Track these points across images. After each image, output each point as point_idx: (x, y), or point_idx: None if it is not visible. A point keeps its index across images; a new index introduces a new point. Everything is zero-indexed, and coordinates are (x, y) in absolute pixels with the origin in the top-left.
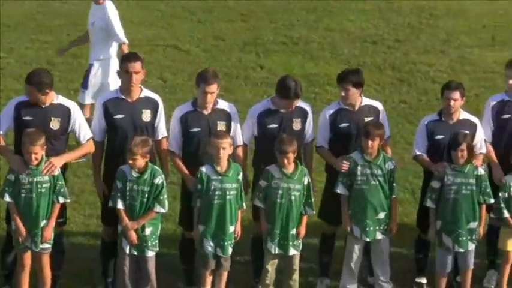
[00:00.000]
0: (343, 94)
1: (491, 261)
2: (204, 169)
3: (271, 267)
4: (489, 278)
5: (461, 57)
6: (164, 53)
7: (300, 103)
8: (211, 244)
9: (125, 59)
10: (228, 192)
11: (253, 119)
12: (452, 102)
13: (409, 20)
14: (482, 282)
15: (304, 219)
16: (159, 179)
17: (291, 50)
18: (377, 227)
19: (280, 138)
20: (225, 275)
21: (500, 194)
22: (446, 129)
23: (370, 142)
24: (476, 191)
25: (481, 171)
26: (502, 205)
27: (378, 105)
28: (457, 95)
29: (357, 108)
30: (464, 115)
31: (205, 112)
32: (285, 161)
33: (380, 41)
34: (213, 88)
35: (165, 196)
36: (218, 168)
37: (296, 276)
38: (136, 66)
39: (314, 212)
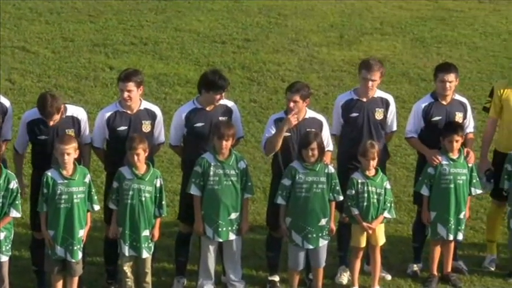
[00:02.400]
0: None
1: (341, 257)
2: (49, 173)
3: (128, 269)
4: (340, 274)
5: (310, 56)
6: (12, 55)
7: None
8: (60, 248)
9: None
10: (75, 196)
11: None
12: (292, 104)
13: (257, 20)
14: (334, 278)
15: (157, 221)
16: (13, 184)
17: (140, 50)
18: (230, 227)
19: (129, 137)
20: (75, 279)
21: (348, 192)
22: (293, 128)
23: (224, 143)
24: (326, 189)
25: (331, 169)
26: (349, 203)
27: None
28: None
29: (212, 108)
30: (309, 113)
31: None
32: (135, 158)
33: (229, 41)
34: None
35: (20, 201)
36: (64, 172)
37: (148, 278)
38: None
39: (165, 215)
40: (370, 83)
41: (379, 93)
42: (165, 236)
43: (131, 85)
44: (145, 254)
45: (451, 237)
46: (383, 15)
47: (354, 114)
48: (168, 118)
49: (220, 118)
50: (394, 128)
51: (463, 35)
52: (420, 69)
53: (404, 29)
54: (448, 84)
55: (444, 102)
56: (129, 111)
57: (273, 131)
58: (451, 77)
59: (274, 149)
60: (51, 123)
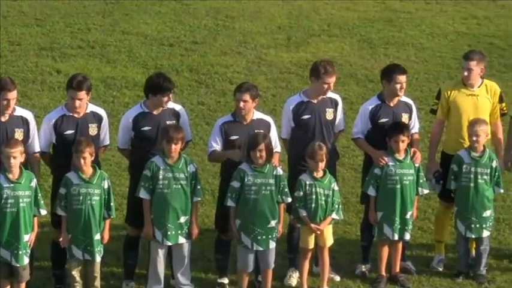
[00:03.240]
0: None
1: (291, 259)
2: None
3: (77, 273)
4: (289, 275)
5: (257, 58)
6: None
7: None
8: (5, 252)
9: None
10: (21, 200)
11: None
12: (242, 104)
13: (205, 22)
14: (283, 280)
15: (107, 223)
16: None
17: (87, 53)
18: (179, 231)
19: (76, 141)
20: (22, 285)
21: (295, 194)
22: (241, 131)
23: (173, 146)
24: (275, 191)
25: (279, 170)
26: (297, 205)
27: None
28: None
29: (159, 111)
30: (257, 115)
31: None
32: (82, 161)
33: (177, 44)
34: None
35: None
36: (10, 176)
37: (97, 282)
38: None
39: (114, 216)
40: (331, 86)
41: (328, 94)
42: (114, 240)
43: (83, 94)
44: (98, 258)
45: (397, 237)
46: (330, 17)
47: (306, 117)
48: (116, 121)
49: (168, 122)
50: (342, 127)
51: (410, 36)
52: (368, 71)
53: (351, 31)
54: (403, 85)
55: (391, 104)
56: (75, 115)
57: (219, 140)
58: (405, 78)
59: (219, 162)
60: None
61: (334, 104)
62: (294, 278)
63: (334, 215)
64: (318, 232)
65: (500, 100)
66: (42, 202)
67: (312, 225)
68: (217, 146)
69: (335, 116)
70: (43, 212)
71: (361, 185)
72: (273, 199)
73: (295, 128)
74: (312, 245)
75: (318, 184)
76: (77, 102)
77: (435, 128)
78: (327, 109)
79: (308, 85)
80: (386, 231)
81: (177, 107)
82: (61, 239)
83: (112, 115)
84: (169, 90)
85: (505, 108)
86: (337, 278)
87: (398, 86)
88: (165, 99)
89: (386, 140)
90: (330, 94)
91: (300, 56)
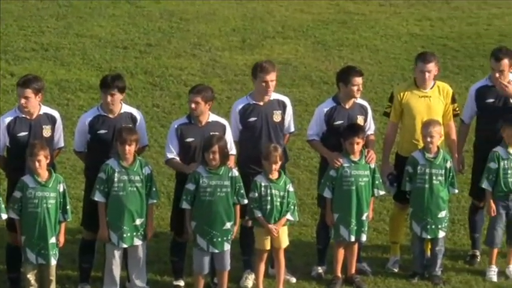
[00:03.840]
0: None
1: (246, 261)
2: None
3: (32, 276)
4: (245, 277)
5: (212, 60)
6: None
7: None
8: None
9: None
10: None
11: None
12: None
13: (159, 25)
14: (239, 282)
15: (63, 226)
16: None
17: (41, 56)
18: (134, 233)
19: (30, 144)
20: (52, 285)
21: (250, 195)
22: (196, 133)
23: (127, 148)
24: (231, 193)
25: (235, 172)
26: (252, 206)
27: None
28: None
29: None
30: (212, 117)
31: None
32: (37, 165)
33: (131, 46)
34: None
35: None
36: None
37: (53, 285)
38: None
39: (69, 219)
40: (270, 84)
41: (275, 96)
42: (69, 243)
43: (29, 92)
44: (54, 261)
45: (353, 239)
46: (285, 19)
47: (252, 119)
48: (70, 124)
49: (124, 125)
50: (292, 129)
51: (364, 38)
52: (322, 72)
53: (306, 33)
54: (360, 87)
55: (347, 106)
56: (28, 117)
57: (175, 142)
58: (362, 80)
59: (175, 169)
60: None
61: (282, 106)
62: (249, 280)
63: (288, 216)
64: (275, 232)
65: (453, 101)
66: (3, 206)
67: (269, 225)
68: (174, 153)
69: (283, 118)
70: (4, 216)
71: (317, 187)
72: (229, 201)
73: (242, 131)
74: (267, 247)
75: (273, 185)
76: (23, 100)
77: (389, 131)
78: (274, 111)
79: None
80: (342, 232)
81: (134, 111)
82: (19, 241)
83: (66, 118)
84: (112, 87)
85: (457, 109)
86: (293, 280)
87: (355, 88)
88: (109, 98)
89: (342, 142)
90: (278, 96)
91: (255, 58)
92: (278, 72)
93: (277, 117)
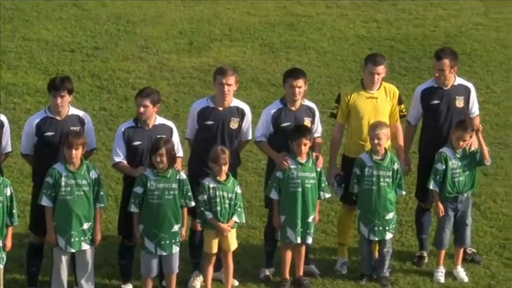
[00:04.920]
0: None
1: (195, 263)
2: None
3: None
4: (193, 279)
5: (159, 63)
6: None
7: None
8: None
9: None
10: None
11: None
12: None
13: (106, 28)
14: (187, 285)
15: (9, 230)
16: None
17: None
18: (82, 237)
19: None
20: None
21: (200, 198)
22: (143, 136)
23: (73, 152)
24: (178, 195)
25: (182, 175)
26: (202, 208)
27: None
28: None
29: (63, 117)
30: (159, 120)
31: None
32: None
33: (78, 49)
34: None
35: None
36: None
37: None
38: None
39: (17, 223)
40: (226, 87)
41: (236, 103)
42: (17, 247)
43: None
44: (1, 265)
45: (299, 241)
46: (232, 21)
47: (209, 123)
48: (17, 128)
49: (72, 128)
50: (249, 137)
51: (311, 40)
52: (270, 75)
53: (253, 35)
54: (297, 90)
55: (293, 108)
56: None
57: (122, 146)
58: (300, 82)
59: (122, 173)
60: None
61: (240, 113)
62: (197, 281)
63: (235, 218)
64: (227, 230)
65: (399, 102)
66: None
67: (221, 224)
68: (121, 156)
69: (240, 126)
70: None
71: (264, 188)
72: (177, 203)
73: (199, 130)
74: (215, 250)
75: (222, 187)
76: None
77: (336, 132)
78: (232, 118)
79: (212, 90)
80: (289, 234)
81: (82, 114)
82: None
83: (13, 122)
84: (62, 89)
85: (404, 110)
86: (236, 283)
87: (291, 90)
88: (58, 100)
89: (289, 143)
90: (239, 103)
91: (202, 60)
92: (238, 78)
93: (234, 124)
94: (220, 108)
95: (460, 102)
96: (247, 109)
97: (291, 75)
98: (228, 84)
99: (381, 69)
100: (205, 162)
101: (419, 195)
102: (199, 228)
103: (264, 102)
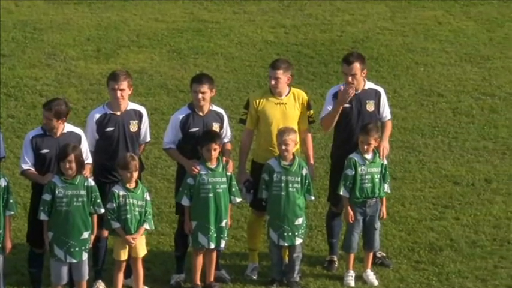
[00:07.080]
0: None
1: (97, 271)
2: None
3: None
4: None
5: (67, 70)
6: None
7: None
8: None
9: None
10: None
11: None
12: (46, 121)
13: (13, 35)
14: None
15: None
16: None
17: None
18: None
19: None
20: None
21: (108, 206)
22: (51, 144)
23: None
24: (87, 202)
25: (91, 182)
26: (109, 217)
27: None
28: None
29: None
30: (67, 127)
31: None
32: None
33: None
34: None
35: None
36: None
37: None
38: None
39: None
40: (119, 92)
41: (132, 106)
42: None
43: None
44: None
45: (213, 246)
46: (139, 28)
47: (109, 129)
48: None
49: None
50: (148, 139)
51: (219, 46)
52: (178, 81)
53: (161, 41)
54: (200, 95)
55: (201, 113)
56: None
57: (30, 154)
58: (204, 87)
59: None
60: None
61: (138, 115)
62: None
63: (146, 226)
64: (132, 243)
65: (308, 107)
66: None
67: (127, 236)
68: (29, 164)
69: (139, 128)
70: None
71: (174, 195)
72: (85, 210)
73: (99, 140)
74: (124, 257)
75: (131, 195)
76: None
77: (244, 138)
78: (131, 121)
79: None
80: (201, 240)
81: None
82: None
83: None
84: None
85: (313, 116)
86: None
87: (195, 95)
88: None
89: (198, 149)
90: (135, 106)
91: (110, 67)
92: (132, 81)
93: (133, 127)
94: (118, 113)
95: (370, 106)
96: (143, 111)
97: (195, 81)
98: (121, 89)
99: (279, 73)
100: (110, 169)
101: (331, 200)
102: (105, 235)
103: (173, 108)
